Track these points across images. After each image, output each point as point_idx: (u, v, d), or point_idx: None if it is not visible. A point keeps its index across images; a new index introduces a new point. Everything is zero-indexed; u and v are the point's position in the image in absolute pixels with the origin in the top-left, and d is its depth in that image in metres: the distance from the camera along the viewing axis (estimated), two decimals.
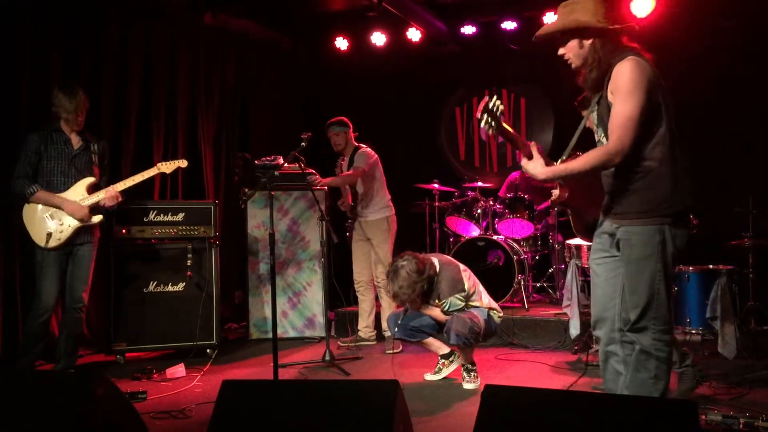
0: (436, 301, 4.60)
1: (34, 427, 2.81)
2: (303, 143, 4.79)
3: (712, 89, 6.35)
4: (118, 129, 6.15)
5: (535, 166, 2.97)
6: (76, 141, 4.77)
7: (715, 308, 4.88)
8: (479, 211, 6.71)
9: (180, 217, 5.62)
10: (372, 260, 5.89)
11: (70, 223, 4.64)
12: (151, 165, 6.13)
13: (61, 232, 4.62)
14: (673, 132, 2.90)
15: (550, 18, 7.07)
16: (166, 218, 5.58)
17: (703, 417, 3.33)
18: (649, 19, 6.18)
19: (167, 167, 5.01)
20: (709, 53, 6.32)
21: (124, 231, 5.44)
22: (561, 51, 3.08)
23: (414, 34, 7.61)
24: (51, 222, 4.62)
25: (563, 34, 3.04)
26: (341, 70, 8.14)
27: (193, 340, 5.47)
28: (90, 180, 4.77)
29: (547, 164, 3.01)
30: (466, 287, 4.58)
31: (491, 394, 2.48)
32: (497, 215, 6.68)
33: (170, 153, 6.63)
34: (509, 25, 7.39)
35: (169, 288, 5.56)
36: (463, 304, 4.55)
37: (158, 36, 6.55)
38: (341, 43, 7.95)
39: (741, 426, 3.22)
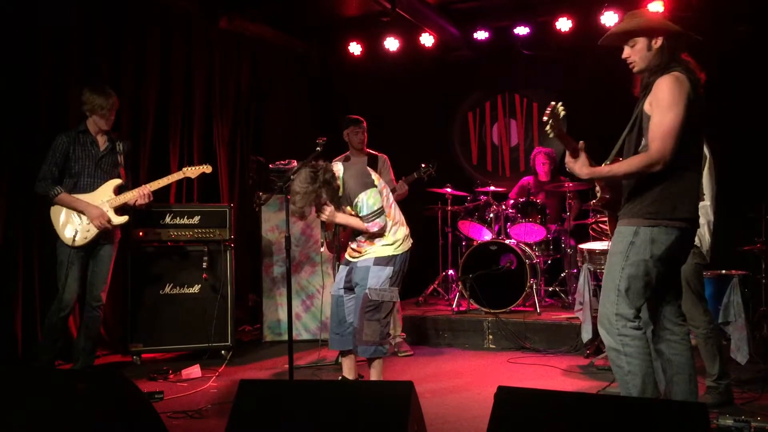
0: (348, 208, 4.23)
1: (57, 426, 2.87)
2: (319, 148, 4.81)
3: (724, 93, 6.35)
4: (136, 132, 6.24)
5: (581, 166, 3.08)
6: (102, 142, 4.85)
7: (727, 313, 4.89)
8: (491, 215, 6.74)
9: (196, 220, 5.69)
10: None
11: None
12: (167, 168, 6.29)
13: (88, 231, 4.71)
14: (688, 152, 3.00)
15: (562, 24, 7.12)
16: (182, 221, 5.65)
17: (715, 421, 3.35)
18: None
19: (192, 172, 5.14)
20: (720, 56, 6.32)
21: (141, 233, 5.51)
22: (626, 53, 3.18)
23: (427, 40, 7.66)
24: (79, 220, 4.70)
25: (635, 35, 3.13)
26: (355, 75, 8.21)
27: (208, 341, 5.53)
28: (117, 182, 4.86)
29: (591, 166, 3.13)
30: (376, 182, 4.18)
31: (504, 395, 2.52)
32: (509, 219, 6.71)
33: (186, 156, 6.72)
34: (522, 30, 7.44)
35: (185, 290, 5.63)
36: (379, 205, 4.11)
37: (175, 40, 6.64)
38: (355, 48, 8.02)
39: (752, 430, 3.24)
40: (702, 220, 4.04)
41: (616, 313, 3.05)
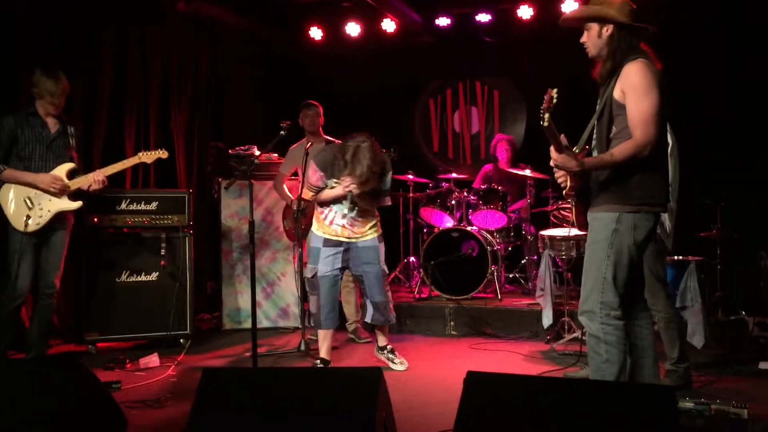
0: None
1: (12, 418, 2.77)
2: (282, 131, 4.75)
3: (682, 82, 6.44)
4: (90, 116, 6.05)
5: (569, 159, 3.07)
6: (52, 124, 4.68)
7: (684, 298, 4.99)
8: (453, 202, 6.74)
9: (153, 206, 5.56)
10: None
11: (50, 208, 4.57)
12: (122, 153, 6.11)
13: (40, 216, 4.55)
14: (661, 138, 3.04)
15: (524, 11, 7.15)
16: (139, 207, 5.52)
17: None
18: None
19: (148, 157, 4.97)
20: (681, 44, 6.41)
21: (96, 219, 5.36)
22: (583, 38, 3.23)
23: (389, 25, 7.62)
24: (30, 206, 4.54)
25: (586, 21, 3.18)
26: (316, 60, 8.12)
27: (166, 329, 5.41)
28: (69, 165, 4.70)
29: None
30: None
31: (473, 380, 2.51)
32: (471, 206, 6.72)
33: (142, 141, 6.56)
34: (484, 17, 7.45)
35: (143, 277, 5.50)
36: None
37: (131, 23, 6.45)
38: (316, 33, 7.93)
39: (713, 412, 3.30)
40: None
41: (601, 301, 3.05)
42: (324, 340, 4.73)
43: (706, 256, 5.39)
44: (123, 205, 5.47)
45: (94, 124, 6.08)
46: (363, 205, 4.57)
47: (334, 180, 4.54)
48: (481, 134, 8.10)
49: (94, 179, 4.69)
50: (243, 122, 7.69)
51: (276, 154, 6.43)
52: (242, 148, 6.21)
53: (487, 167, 7.29)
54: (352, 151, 4.40)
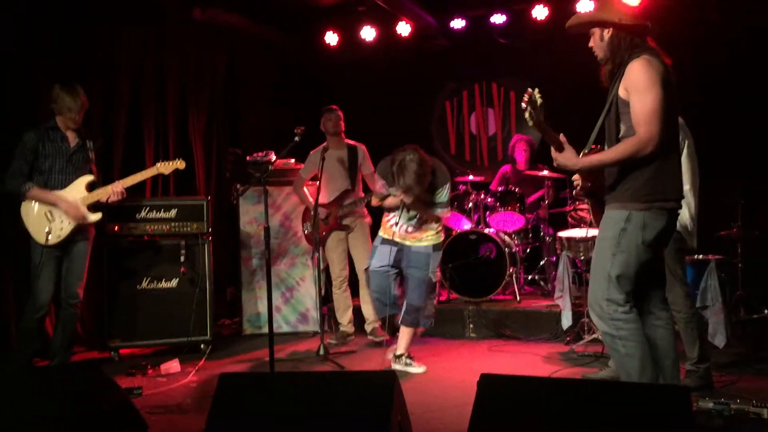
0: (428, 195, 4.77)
1: (35, 424, 2.82)
2: (297, 138, 4.82)
3: (696, 82, 6.39)
4: (109, 125, 6.12)
5: (569, 158, 3.10)
6: (72, 138, 4.75)
7: (705, 297, 4.95)
8: (471, 204, 6.74)
9: (172, 213, 5.63)
10: (356, 256, 5.87)
11: (70, 221, 4.64)
12: (142, 161, 6.20)
13: (61, 229, 4.62)
14: (669, 132, 3.02)
15: (539, 12, 7.14)
16: (158, 215, 5.58)
17: (696, 404, 3.37)
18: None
19: (166, 168, 5.03)
20: (693, 45, 6.36)
21: (116, 228, 5.43)
22: (590, 43, 3.27)
23: (404, 29, 7.63)
24: (50, 219, 4.61)
25: (587, 27, 3.22)
26: (331, 65, 8.15)
27: (187, 335, 5.47)
28: (89, 178, 4.77)
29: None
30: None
31: (487, 382, 2.51)
32: (488, 208, 6.71)
33: (161, 150, 6.63)
34: (498, 18, 7.42)
35: (163, 284, 5.57)
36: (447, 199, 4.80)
37: (147, 32, 6.52)
38: (331, 38, 7.96)
39: (732, 412, 3.27)
40: (683, 206, 4.07)
41: (607, 298, 3.05)
42: (381, 320, 5.03)
43: (727, 254, 5.34)
44: (143, 214, 5.55)
45: (113, 133, 6.15)
46: (419, 213, 4.78)
47: (393, 188, 4.69)
48: (498, 136, 8.09)
49: (112, 191, 4.75)
50: (260, 128, 7.74)
51: (293, 160, 6.48)
52: (259, 154, 6.26)
53: (505, 168, 7.28)
54: (398, 163, 4.57)
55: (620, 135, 3.09)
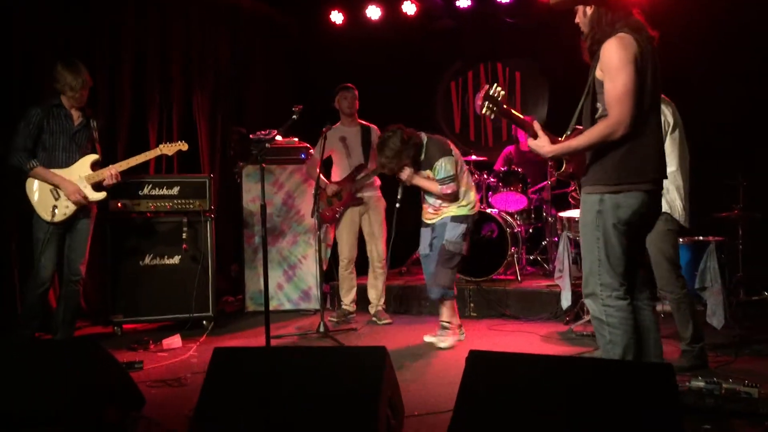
0: (428, 172, 4.86)
1: (34, 395, 2.88)
2: (294, 116, 4.83)
3: (700, 61, 6.35)
4: (112, 104, 6.17)
5: (542, 145, 3.10)
6: (76, 117, 4.76)
7: (704, 279, 4.95)
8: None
9: (175, 190, 5.67)
10: (369, 236, 5.90)
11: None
12: (146, 140, 6.24)
13: (66, 207, 4.66)
14: (643, 113, 2.96)
15: None
16: (161, 192, 5.63)
17: (686, 383, 3.39)
18: None
19: (169, 149, 5.05)
20: (697, 26, 6.30)
21: (120, 205, 5.48)
22: (576, 19, 3.21)
23: (409, 8, 7.61)
24: (56, 196, 4.64)
25: (572, 3, 3.17)
26: (336, 45, 8.13)
27: (189, 312, 5.53)
28: (94, 157, 4.80)
29: (553, 141, 3.12)
30: (453, 153, 4.83)
31: (475, 358, 2.54)
32: (491, 188, 6.72)
33: (165, 128, 6.67)
34: None
35: (165, 261, 5.62)
36: (454, 172, 4.78)
37: (150, 11, 6.54)
38: (336, 17, 7.95)
39: (722, 392, 3.28)
40: (670, 186, 4.06)
41: (600, 283, 3.04)
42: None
43: (728, 236, 5.33)
44: (146, 190, 5.59)
45: (117, 112, 6.21)
46: (423, 190, 4.94)
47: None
48: None
49: (108, 174, 4.76)
50: (264, 107, 7.76)
51: (297, 138, 6.50)
52: (263, 132, 6.26)
53: (509, 149, 7.27)
54: (378, 142, 4.87)
55: (597, 116, 3.06)
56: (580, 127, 3.15)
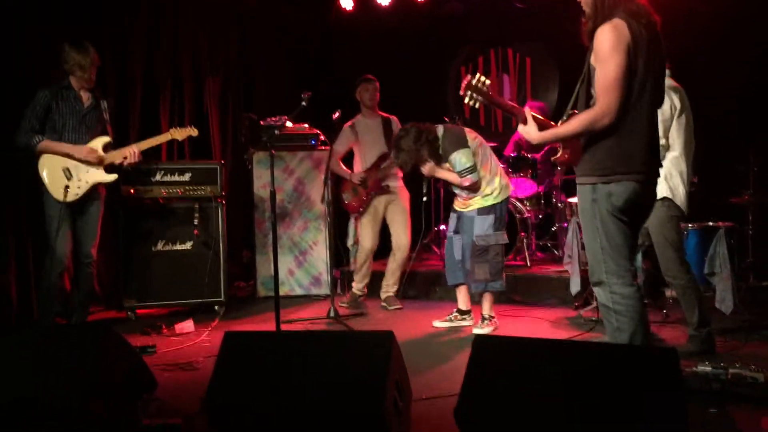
0: (447, 165, 4.91)
1: (46, 381, 2.93)
2: (303, 102, 4.86)
3: (710, 46, 6.30)
4: (124, 90, 6.21)
5: (529, 131, 3.10)
6: (86, 98, 4.80)
7: (713, 264, 4.96)
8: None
9: (187, 177, 5.72)
10: (393, 224, 5.89)
11: (87, 179, 4.73)
12: (158, 126, 6.28)
13: (78, 187, 4.70)
14: (638, 101, 2.93)
15: None
16: (173, 178, 5.68)
17: (693, 368, 3.42)
18: None
19: (179, 134, 5.13)
20: (708, 10, 6.25)
21: (132, 191, 5.54)
22: None
23: None
24: (68, 176, 4.68)
25: None
26: (346, 30, 8.13)
27: (202, 297, 5.60)
28: (105, 139, 4.84)
29: (549, 127, 3.10)
30: (469, 144, 4.84)
31: (481, 343, 2.58)
32: None
33: (177, 114, 6.71)
34: None
35: (177, 246, 5.68)
36: (471, 163, 4.79)
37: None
38: (346, 3, 7.92)
39: (729, 376, 3.31)
40: (673, 171, 4.06)
41: (606, 271, 3.03)
42: (458, 294, 5.14)
43: (738, 222, 5.33)
44: (158, 177, 5.65)
45: (129, 98, 6.24)
46: (448, 183, 5.03)
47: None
48: (513, 101, 8.04)
49: (129, 152, 4.82)
50: (275, 93, 7.77)
51: (307, 125, 6.52)
52: (273, 119, 6.30)
53: (519, 134, 7.24)
54: (393, 143, 5.00)
55: (591, 102, 3.03)
56: (576, 112, 3.13)
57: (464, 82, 3.10)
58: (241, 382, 2.74)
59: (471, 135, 4.93)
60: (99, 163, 4.76)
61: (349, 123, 5.87)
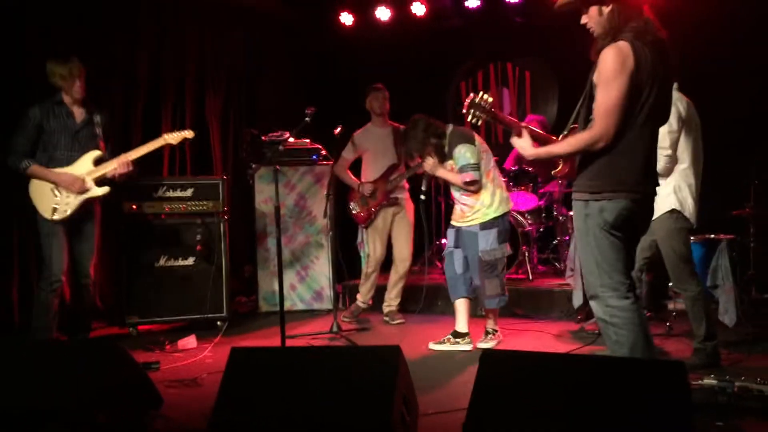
0: (451, 162, 4.84)
1: (54, 395, 2.93)
2: (307, 118, 4.87)
3: (712, 58, 6.33)
4: (127, 104, 6.25)
5: (523, 146, 3.13)
6: (78, 114, 4.72)
7: (715, 276, 4.97)
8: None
9: (189, 192, 5.73)
10: (397, 237, 5.90)
11: (75, 196, 4.64)
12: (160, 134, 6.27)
13: (66, 204, 4.62)
14: (636, 122, 2.93)
15: None
16: (175, 194, 5.69)
17: (699, 381, 3.41)
18: None
19: (174, 138, 4.96)
20: (710, 19, 6.29)
21: (134, 206, 5.54)
22: (584, 19, 3.14)
23: (419, 9, 7.63)
24: (56, 195, 4.61)
25: (584, 2, 3.10)
26: (347, 46, 8.17)
27: (204, 312, 5.60)
28: (96, 153, 4.74)
29: (550, 142, 3.12)
30: (476, 142, 4.80)
31: (488, 357, 2.58)
32: None
33: (178, 128, 6.70)
34: None
35: (180, 262, 5.68)
36: (475, 160, 4.71)
37: (166, 12, 6.61)
38: (346, 18, 7.98)
39: (735, 389, 3.30)
40: (682, 184, 4.07)
41: (601, 285, 3.03)
42: (457, 311, 4.97)
43: (739, 234, 5.34)
44: (160, 192, 5.65)
45: (131, 112, 6.27)
46: (449, 183, 4.91)
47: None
48: (513, 115, 8.08)
49: (119, 163, 4.68)
50: (276, 108, 7.79)
51: (308, 140, 6.55)
52: (275, 134, 6.33)
53: None
54: (402, 131, 5.01)
55: (590, 117, 3.03)
56: (577, 127, 3.14)
57: (467, 101, 3.13)
58: (248, 399, 2.74)
59: (478, 139, 4.90)
60: (82, 192, 4.63)
61: (358, 131, 5.90)
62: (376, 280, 5.98)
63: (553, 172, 3.33)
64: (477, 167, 4.71)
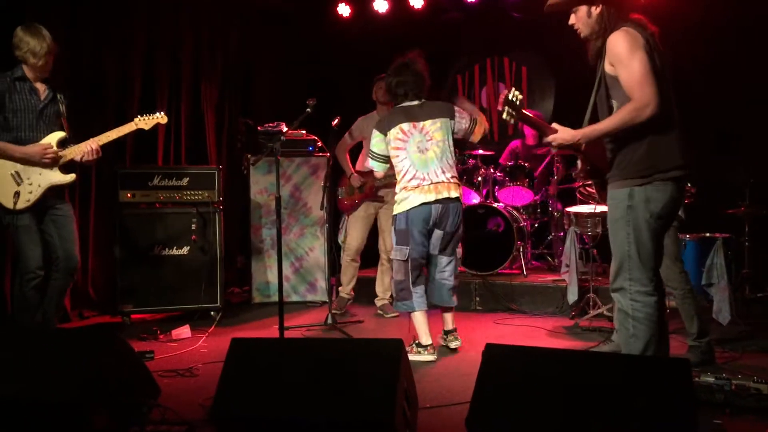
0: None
1: (52, 383, 2.90)
2: (308, 109, 4.84)
3: (707, 57, 6.35)
4: (122, 93, 6.18)
5: (567, 133, 3.09)
6: (42, 90, 4.30)
7: (710, 275, 4.99)
8: (480, 178, 6.77)
9: (184, 181, 5.69)
10: (383, 231, 5.88)
11: (40, 183, 4.23)
12: (155, 132, 6.22)
13: (30, 192, 4.21)
14: (662, 97, 2.94)
15: None
16: (170, 183, 5.65)
17: (696, 379, 3.42)
18: None
19: (145, 123, 4.57)
20: (705, 20, 6.30)
21: (129, 195, 5.50)
22: (571, 20, 3.18)
23: (416, 1, 7.60)
24: (18, 181, 4.19)
25: (573, 3, 3.14)
26: (344, 37, 8.12)
27: (198, 302, 5.56)
28: (60, 134, 4.33)
29: (549, 132, 3.13)
30: (388, 133, 4.43)
31: (492, 352, 2.57)
32: (497, 183, 6.75)
33: (173, 119, 6.67)
34: None
35: (174, 251, 5.64)
36: (375, 149, 4.46)
37: (161, 3, 6.54)
38: (343, 10, 7.93)
39: (733, 387, 3.32)
40: None
41: (629, 278, 3.03)
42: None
43: (734, 233, 5.37)
44: (155, 181, 5.61)
45: (126, 101, 6.21)
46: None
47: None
48: None
49: (87, 149, 4.29)
50: (272, 99, 7.77)
51: (304, 131, 6.51)
52: (271, 124, 6.28)
53: (515, 143, 7.29)
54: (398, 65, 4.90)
55: (613, 112, 3.06)
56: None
57: (501, 97, 3.10)
58: (248, 390, 2.72)
59: (397, 129, 4.43)
60: (54, 162, 4.24)
61: (363, 117, 5.89)
62: (356, 270, 5.97)
63: (574, 175, 3.34)
64: (381, 159, 4.43)
